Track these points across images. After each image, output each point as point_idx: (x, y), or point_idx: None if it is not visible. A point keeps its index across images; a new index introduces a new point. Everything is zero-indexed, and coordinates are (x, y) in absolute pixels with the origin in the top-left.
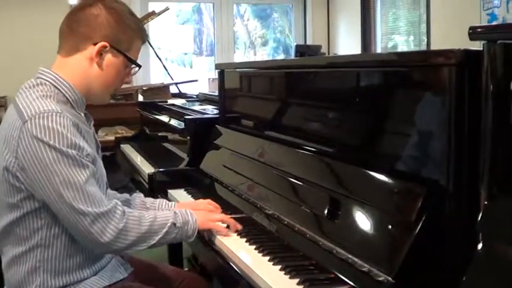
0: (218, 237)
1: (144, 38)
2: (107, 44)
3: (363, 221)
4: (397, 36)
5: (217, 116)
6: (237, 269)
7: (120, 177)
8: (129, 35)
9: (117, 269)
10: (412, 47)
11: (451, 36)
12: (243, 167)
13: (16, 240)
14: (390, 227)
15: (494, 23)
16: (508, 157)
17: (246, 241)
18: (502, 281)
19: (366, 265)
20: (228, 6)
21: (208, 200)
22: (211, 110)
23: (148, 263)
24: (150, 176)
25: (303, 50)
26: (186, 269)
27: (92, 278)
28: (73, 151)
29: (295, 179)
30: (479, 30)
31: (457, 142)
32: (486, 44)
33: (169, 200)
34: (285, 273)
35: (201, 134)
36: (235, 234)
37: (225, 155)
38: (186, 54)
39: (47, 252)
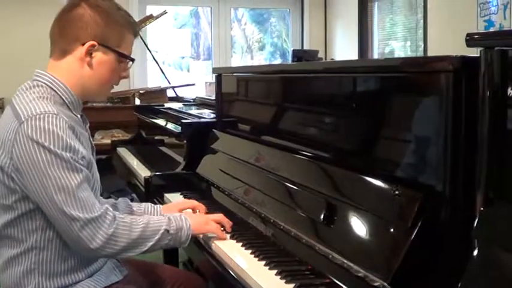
0: (214, 241)
1: (134, 31)
2: (95, 43)
3: (359, 226)
4: (394, 42)
5: (214, 120)
6: (232, 274)
7: (117, 180)
8: (117, 31)
9: (112, 272)
10: (409, 53)
11: (448, 42)
12: (240, 172)
13: (11, 242)
14: (386, 232)
15: (491, 29)
16: (504, 163)
17: (242, 245)
18: (497, 286)
19: (361, 270)
20: (226, 11)
21: (192, 201)
22: (208, 114)
23: (143, 263)
24: (147, 179)
25: (300, 55)
26: None
27: (87, 281)
28: (67, 154)
29: (291, 184)
30: (476, 36)
31: (453, 148)
32: (483, 50)
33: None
34: (280, 278)
35: (198, 138)
36: (231, 238)
37: (221, 159)
38: (183, 58)
39: (42, 254)
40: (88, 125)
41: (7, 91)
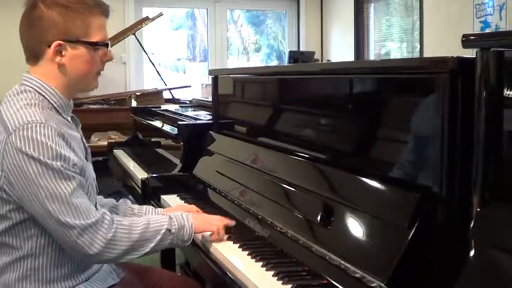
0: (211, 243)
1: (102, 11)
2: (61, 42)
3: (356, 227)
4: (390, 43)
5: (210, 121)
6: (230, 275)
7: (113, 182)
8: (80, 20)
9: (108, 275)
10: (405, 54)
11: (444, 43)
12: (236, 173)
13: (6, 250)
14: (383, 233)
15: (487, 30)
16: (500, 164)
17: (239, 247)
18: (494, 287)
19: (359, 271)
20: (222, 12)
21: (192, 206)
22: (204, 116)
23: (140, 267)
24: (143, 181)
25: (296, 57)
26: (179, 274)
27: (84, 284)
28: (58, 163)
29: (288, 185)
30: (472, 38)
31: (450, 149)
32: (479, 51)
33: (162, 206)
34: (277, 279)
35: (195, 140)
36: (228, 240)
37: (218, 161)
38: (179, 59)
39: (38, 261)
40: (80, 126)
41: (2, 94)
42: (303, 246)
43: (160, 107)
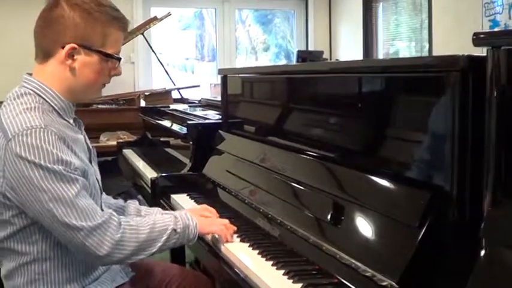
0: (221, 241)
1: (121, 26)
2: (75, 46)
3: (366, 226)
4: (398, 42)
5: (219, 121)
6: (240, 273)
7: (122, 182)
8: (100, 30)
9: (117, 274)
10: (414, 53)
11: (452, 42)
12: (246, 172)
13: (12, 255)
14: (394, 232)
15: (496, 29)
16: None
17: (249, 246)
18: (505, 286)
19: (369, 270)
20: (230, 12)
21: (205, 206)
22: (213, 115)
23: (150, 263)
24: (153, 181)
25: (304, 56)
26: None
27: (93, 284)
28: (60, 166)
29: (298, 184)
30: (482, 36)
31: (461, 148)
32: (490, 50)
33: (171, 205)
34: (288, 278)
35: (204, 139)
36: (238, 238)
37: (227, 160)
38: (187, 59)
39: (45, 264)
40: (83, 128)
41: (4, 94)
42: (313, 245)
43: (169, 107)
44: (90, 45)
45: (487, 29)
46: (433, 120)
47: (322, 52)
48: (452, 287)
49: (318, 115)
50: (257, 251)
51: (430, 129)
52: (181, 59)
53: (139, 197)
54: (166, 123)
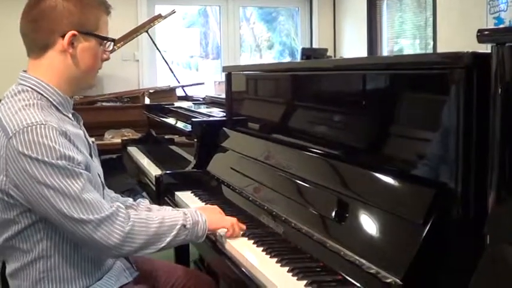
0: (225, 239)
1: (107, 10)
2: (75, 32)
3: (371, 223)
4: (403, 40)
5: (223, 118)
6: (244, 271)
7: (127, 179)
8: (93, 14)
9: (122, 273)
10: (418, 51)
11: (457, 39)
12: (250, 169)
13: (18, 254)
14: (398, 229)
15: (500, 26)
16: None
17: (253, 243)
18: (509, 283)
19: (373, 267)
20: (234, 9)
21: (215, 206)
22: (217, 113)
23: (155, 262)
24: (157, 178)
25: (309, 53)
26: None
27: (98, 283)
28: (64, 162)
29: (302, 181)
30: (487, 32)
31: (465, 145)
32: (495, 46)
33: (176, 202)
34: (292, 275)
35: (208, 137)
36: (243, 236)
37: (232, 157)
38: (192, 57)
39: (50, 262)
40: (82, 122)
41: (1, 93)
42: (317, 242)
43: (173, 104)
44: (87, 31)
45: (491, 27)
46: (437, 118)
47: (326, 49)
48: (456, 284)
49: (322, 112)
50: (261, 248)
51: (435, 126)
52: (185, 57)
53: (144, 194)
54: (171, 120)
